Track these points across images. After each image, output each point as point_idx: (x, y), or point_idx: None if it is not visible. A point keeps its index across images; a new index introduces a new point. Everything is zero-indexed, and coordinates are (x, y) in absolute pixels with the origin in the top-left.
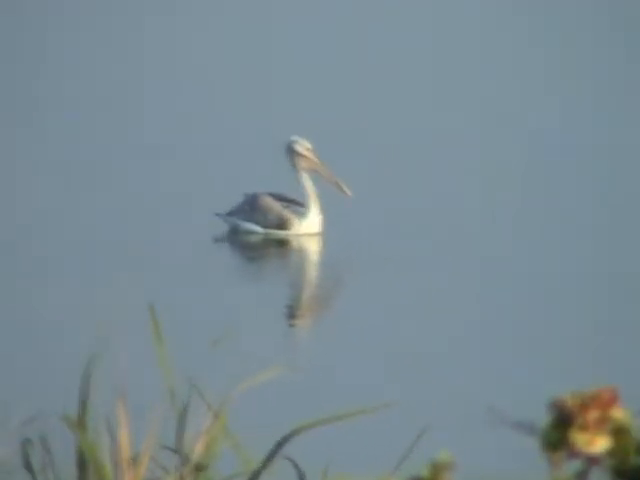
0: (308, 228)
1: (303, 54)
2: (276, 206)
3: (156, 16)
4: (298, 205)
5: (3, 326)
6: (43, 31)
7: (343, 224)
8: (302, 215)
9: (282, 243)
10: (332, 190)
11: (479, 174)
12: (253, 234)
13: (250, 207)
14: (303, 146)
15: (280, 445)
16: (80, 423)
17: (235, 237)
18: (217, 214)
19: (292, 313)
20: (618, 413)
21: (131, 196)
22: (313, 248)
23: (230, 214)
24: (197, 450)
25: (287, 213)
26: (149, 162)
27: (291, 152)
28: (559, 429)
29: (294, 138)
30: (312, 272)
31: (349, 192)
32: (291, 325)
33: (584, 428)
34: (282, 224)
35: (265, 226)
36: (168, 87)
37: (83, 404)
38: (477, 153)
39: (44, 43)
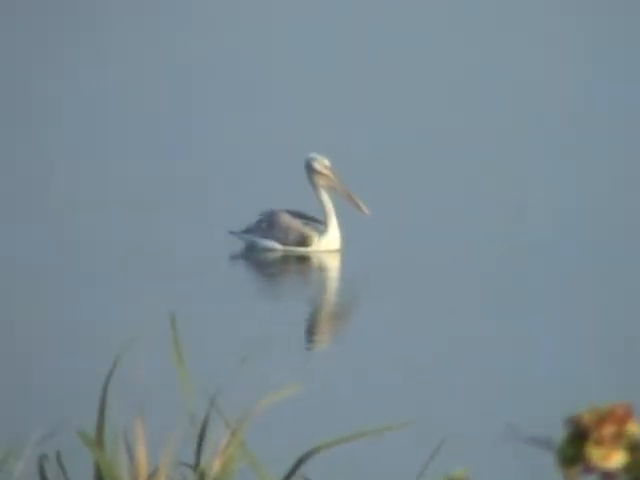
0: (328, 245)
1: (308, 62)
2: (296, 223)
3: (162, 27)
4: (316, 222)
5: (20, 341)
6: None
7: (360, 241)
8: (322, 232)
9: (301, 260)
10: (349, 207)
11: (495, 190)
12: (271, 251)
13: (268, 224)
14: (321, 164)
15: (299, 463)
16: (98, 440)
17: (251, 254)
18: (232, 232)
19: (312, 330)
20: (634, 428)
21: (146, 212)
22: (333, 265)
23: (247, 232)
24: (215, 467)
25: (307, 230)
26: (165, 178)
27: (310, 169)
28: (575, 444)
29: (312, 155)
30: (332, 289)
31: (367, 210)
32: (310, 341)
33: (600, 443)
34: (303, 241)
35: (285, 243)
36: (180, 101)
37: (101, 420)
38: (493, 167)
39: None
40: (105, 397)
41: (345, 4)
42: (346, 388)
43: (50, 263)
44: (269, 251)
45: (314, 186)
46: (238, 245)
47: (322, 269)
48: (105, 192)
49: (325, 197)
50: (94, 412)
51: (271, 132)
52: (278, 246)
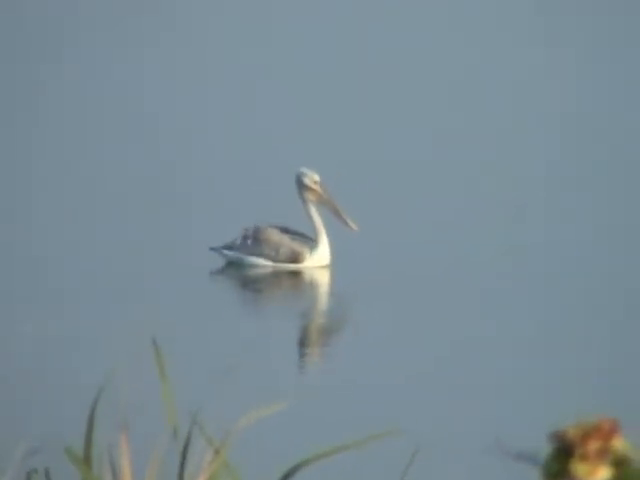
0: (319, 261)
1: (301, 69)
2: (286, 239)
3: (162, 37)
4: (304, 237)
5: (6, 358)
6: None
7: (350, 255)
8: (312, 247)
9: (290, 276)
10: (336, 222)
11: (495, 191)
12: (258, 267)
13: (254, 240)
14: (311, 179)
15: (285, 478)
16: (85, 457)
17: (233, 271)
18: (212, 248)
19: (303, 345)
20: (619, 444)
21: (131, 226)
22: (323, 280)
23: (230, 248)
24: None
25: (299, 246)
26: (149, 192)
27: (300, 184)
28: (560, 459)
29: (303, 170)
30: (323, 304)
31: (355, 227)
32: (302, 356)
33: (585, 458)
34: (295, 258)
35: (276, 260)
36: (162, 111)
37: (89, 438)
38: (493, 168)
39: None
40: (93, 415)
41: (344, 7)
42: (337, 402)
43: (28, 281)
44: (255, 267)
45: (304, 201)
46: (218, 261)
47: (312, 285)
48: (90, 202)
49: (315, 212)
50: (80, 428)
51: (257, 146)
52: (268, 263)
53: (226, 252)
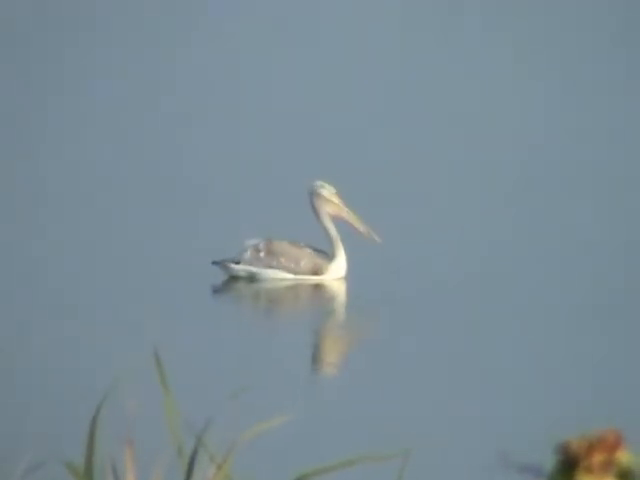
0: (337, 273)
1: (306, 79)
2: (306, 252)
3: (162, 42)
4: (316, 250)
5: (6, 373)
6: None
7: (364, 267)
8: (331, 259)
9: (305, 289)
10: (354, 234)
11: (506, 203)
12: (273, 281)
13: (268, 253)
14: (329, 190)
15: None
16: (86, 472)
17: (238, 285)
18: (215, 262)
19: (317, 357)
20: (623, 456)
21: (131, 244)
22: (339, 292)
23: (238, 262)
24: None
25: (319, 259)
26: (150, 200)
27: (316, 196)
28: (565, 472)
29: (319, 182)
30: (339, 316)
31: (378, 238)
32: (316, 369)
33: (590, 471)
34: (316, 270)
35: (297, 272)
36: (166, 127)
37: (89, 453)
38: (500, 178)
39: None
40: (94, 429)
41: (345, 11)
42: (348, 417)
43: (28, 294)
44: (268, 281)
45: (318, 213)
46: (218, 274)
47: (328, 297)
48: (90, 203)
49: (331, 224)
50: (82, 443)
51: (258, 159)
52: (288, 276)
53: (234, 266)
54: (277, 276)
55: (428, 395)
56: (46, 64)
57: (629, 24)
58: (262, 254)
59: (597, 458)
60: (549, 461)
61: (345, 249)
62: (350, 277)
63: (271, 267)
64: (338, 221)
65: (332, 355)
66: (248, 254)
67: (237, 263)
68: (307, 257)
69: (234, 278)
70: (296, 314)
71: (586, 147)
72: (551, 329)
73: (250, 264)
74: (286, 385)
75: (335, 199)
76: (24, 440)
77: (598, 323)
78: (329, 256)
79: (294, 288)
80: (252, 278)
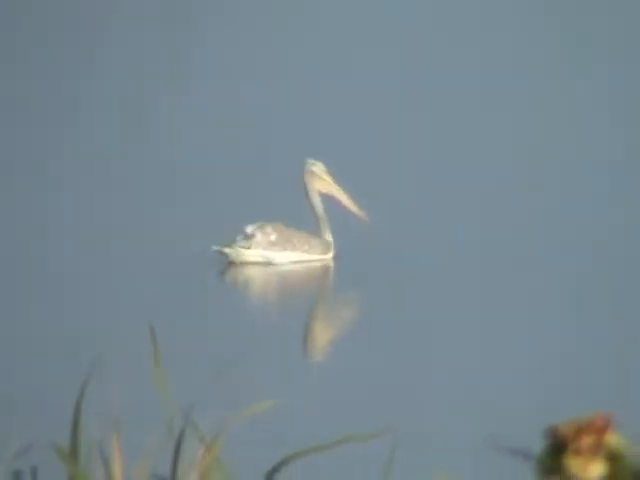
0: (332, 251)
1: (303, 66)
2: (304, 233)
3: (162, 39)
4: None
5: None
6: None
7: (349, 247)
8: (322, 239)
9: (293, 270)
10: (344, 212)
11: (499, 191)
12: (284, 264)
13: (279, 237)
14: (320, 168)
15: (269, 476)
16: (72, 453)
17: (234, 269)
18: (218, 249)
19: (307, 340)
20: (612, 439)
21: (129, 229)
22: (328, 273)
23: (249, 247)
24: None
25: (326, 238)
26: (147, 189)
27: (307, 173)
28: (554, 455)
29: (311, 160)
30: (328, 297)
31: (365, 216)
32: (306, 353)
33: (578, 453)
34: (325, 249)
35: (310, 253)
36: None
37: (75, 434)
38: (496, 168)
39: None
40: (79, 411)
41: (344, 14)
42: (339, 399)
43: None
44: (287, 264)
45: (308, 191)
46: (216, 260)
47: (316, 278)
48: (90, 202)
49: (319, 203)
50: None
51: (253, 145)
52: (304, 257)
53: (245, 251)
54: (293, 259)
55: (418, 378)
56: (46, 64)
57: (629, 24)
58: (273, 237)
59: (585, 441)
60: (538, 445)
61: (332, 229)
62: (338, 257)
63: (286, 250)
64: (328, 199)
65: (322, 338)
66: (258, 238)
67: (248, 248)
68: (316, 237)
69: (232, 264)
70: (282, 295)
71: (586, 147)
72: (542, 312)
73: (264, 249)
74: (276, 368)
75: (326, 177)
76: (12, 423)
77: (591, 309)
78: (320, 236)
79: (290, 270)
80: (267, 263)
